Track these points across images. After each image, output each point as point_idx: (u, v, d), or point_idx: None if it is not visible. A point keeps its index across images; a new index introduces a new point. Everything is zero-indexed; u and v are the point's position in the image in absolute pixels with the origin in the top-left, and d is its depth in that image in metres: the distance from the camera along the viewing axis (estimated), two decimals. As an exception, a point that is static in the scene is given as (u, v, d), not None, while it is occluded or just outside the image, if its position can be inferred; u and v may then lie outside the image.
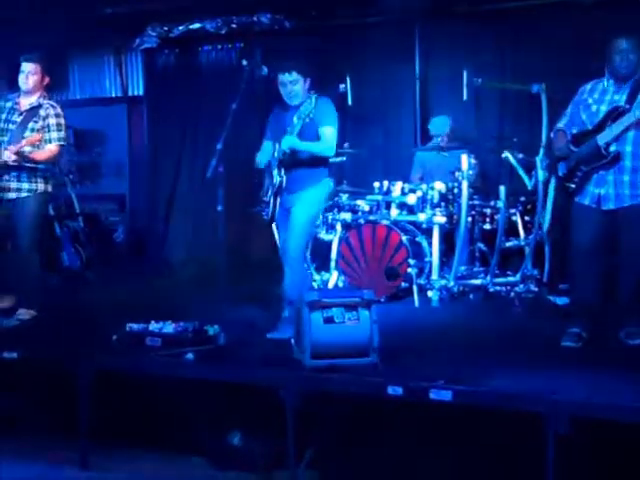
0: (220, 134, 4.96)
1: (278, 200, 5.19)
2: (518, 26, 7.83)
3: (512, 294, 6.49)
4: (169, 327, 4.81)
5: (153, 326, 4.83)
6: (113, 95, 10.11)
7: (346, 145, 6.96)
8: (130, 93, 10.01)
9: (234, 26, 8.60)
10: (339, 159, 7.12)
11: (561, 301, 6.15)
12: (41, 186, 5.89)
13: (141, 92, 9.88)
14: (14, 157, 5.70)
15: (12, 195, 5.83)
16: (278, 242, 5.67)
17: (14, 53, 6.65)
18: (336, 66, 8.16)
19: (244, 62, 5.21)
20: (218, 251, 4.81)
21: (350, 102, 7.20)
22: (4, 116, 5.93)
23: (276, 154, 5.13)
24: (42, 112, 5.87)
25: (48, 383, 4.82)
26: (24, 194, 5.83)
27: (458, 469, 4.07)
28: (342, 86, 7.32)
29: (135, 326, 4.87)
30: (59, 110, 5.96)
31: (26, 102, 5.93)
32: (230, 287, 5.00)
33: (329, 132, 5.17)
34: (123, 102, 10.03)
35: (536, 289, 6.56)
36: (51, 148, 5.88)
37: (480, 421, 3.93)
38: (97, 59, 10.05)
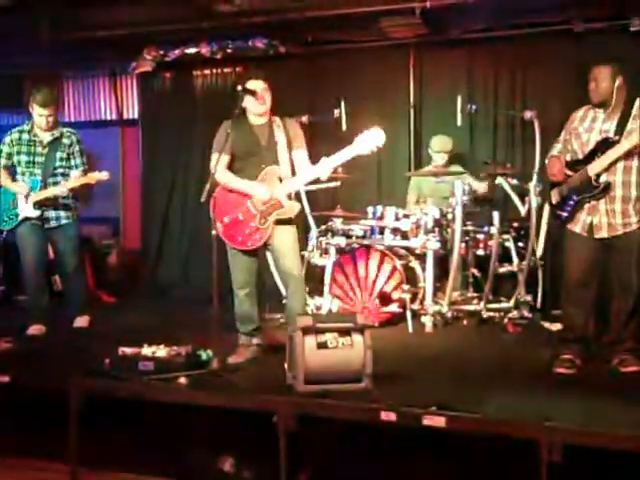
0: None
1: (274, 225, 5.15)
2: (512, 53, 7.89)
3: (505, 320, 6.49)
4: (162, 351, 4.79)
5: (145, 350, 4.81)
6: (108, 118, 10.15)
7: (340, 170, 6.96)
8: (125, 116, 10.05)
9: (229, 51, 8.63)
10: (333, 184, 7.14)
11: (554, 327, 6.14)
12: (75, 212, 6.45)
13: (136, 115, 9.91)
14: (66, 192, 6.25)
15: (53, 224, 6.34)
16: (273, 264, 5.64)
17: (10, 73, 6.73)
18: (330, 91, 8.21)
19: (239, 87, 5.19)
20: (212, 275, 4.80)
21: (344, 127, 7.22)
22: (24, 149, 6.32)
23: (295, 180, 5.08)
24: (65, 140, 6.35)
25: (40, 406, 4.79)
26: (64, 221, 6.37)
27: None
28: (336, 111, 7.34)
29: (128, 350, 4.85)
30: (79, 135, 6.45)
31: (46, 134, 6.33)
32: (224, 311, 4.99)
33: (306, 154, 5.17)
34: (118, 125, 10.07)
35: (529, 315, 6.58)
36: (82, 174, 6.35)
37: (473, 447, 3.92)
38: (92, 82, 10.10)
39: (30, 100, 6.26)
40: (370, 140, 4.81)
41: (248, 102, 5.12)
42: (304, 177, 5.08)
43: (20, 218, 6.25)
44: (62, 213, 6.34)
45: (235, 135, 5.08)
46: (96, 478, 4.58)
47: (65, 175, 6.33)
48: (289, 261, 5.19)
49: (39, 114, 6.22)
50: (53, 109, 6.28)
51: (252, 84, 5.10)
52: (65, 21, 7.82)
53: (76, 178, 6.29)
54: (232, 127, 5.08)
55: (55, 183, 6.27)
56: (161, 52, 8.84)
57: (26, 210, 6.22)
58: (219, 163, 5.02)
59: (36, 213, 6.22)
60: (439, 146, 7.46)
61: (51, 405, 4.64)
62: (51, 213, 6.30)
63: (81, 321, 6.48)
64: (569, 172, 4.96)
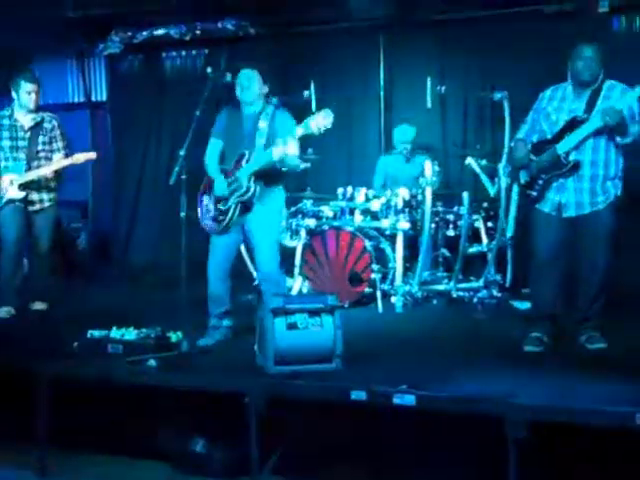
0: (183, 141, 4.93)
1: (239, 209, 5.13)
2: (482, 34, 7.89)
3: (475, 299, 6.53)
4: (131, 334, 4.78)
5: (114, 332, 4.79)
6: (76, 100, 10.06)
7: (310, 151, 6.96)
8: (93, 99, 9.98)
9: (198, 32, 8.58)
10: (303, 165, 7.12)
11: (523, 306, 6.19)
12: (55, 195, 6.45)
13: (104, 98, 9.84)
14: (50, 175, 6.29)
15: (36, 207, 6.34)
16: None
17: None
18: (300, 72, 8.18)
19: (208, 69, 5.17)
20: (181, 257, 4.78)
21: (314, 108, 7.20)
22: (6, 134, 6.29)
23: (253, 161, 5.01)
24: (46, 125, 6.34)
25: (7, 389, 4.76)
26: (47, 204, 6.37)
27: (422, 473, 4.10)
28: (306, 92, 7.33)
29: (96, 333, 4.83)
30: (59, 120, 6.43)
31: (28, 118, 6.30)
32: (193, 293, 4.97)
33: (295, 144, 5.10)
34: (86, 108, 9.99)
35: (499, 294, 6.63)
36: (63, 157, 6.34)
37: (443, 425, 3.95)
38: (60, 64, 9.98)
39: (14, 82, 6.21)
40: (319, 121, 4.80)
41: (237, 90, 5.14)
42: (257, 160, 5.01)
43: (5, 200, 6.23)
44: (45, 196, 6.35)
45: (228, 122, 5.19)
46: (67, 461, 4.57)
47: (48, 159, 6.32)
48: (263, 255, 5.20)
49: (27, 91, 6.19)
50: (38, 87, 6.26)
51: (243, 73, 5.10)
52: (32, 1, 7.72)
53: (60, 160, 6.29)
54: (228, 114, 5.22)
55: (39, 166, 6.27)
56: (129, 34, 8.76)
57: (11, 192, 6.19)
58: (210, 148, 5.21)
59: (21, 195, 6.21)
60: (399, 136, 7.50)
61: (20, 388, 4.62)
62: (35, 196, 6.29)
63: (39, 304, 6.45)
64: (534, 157, 4.98)
